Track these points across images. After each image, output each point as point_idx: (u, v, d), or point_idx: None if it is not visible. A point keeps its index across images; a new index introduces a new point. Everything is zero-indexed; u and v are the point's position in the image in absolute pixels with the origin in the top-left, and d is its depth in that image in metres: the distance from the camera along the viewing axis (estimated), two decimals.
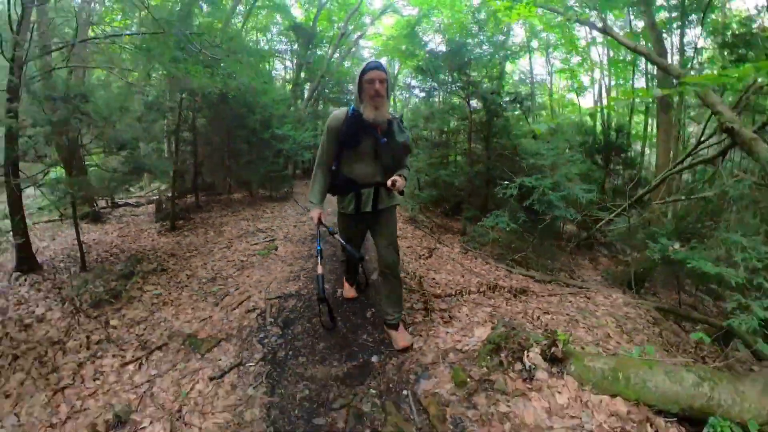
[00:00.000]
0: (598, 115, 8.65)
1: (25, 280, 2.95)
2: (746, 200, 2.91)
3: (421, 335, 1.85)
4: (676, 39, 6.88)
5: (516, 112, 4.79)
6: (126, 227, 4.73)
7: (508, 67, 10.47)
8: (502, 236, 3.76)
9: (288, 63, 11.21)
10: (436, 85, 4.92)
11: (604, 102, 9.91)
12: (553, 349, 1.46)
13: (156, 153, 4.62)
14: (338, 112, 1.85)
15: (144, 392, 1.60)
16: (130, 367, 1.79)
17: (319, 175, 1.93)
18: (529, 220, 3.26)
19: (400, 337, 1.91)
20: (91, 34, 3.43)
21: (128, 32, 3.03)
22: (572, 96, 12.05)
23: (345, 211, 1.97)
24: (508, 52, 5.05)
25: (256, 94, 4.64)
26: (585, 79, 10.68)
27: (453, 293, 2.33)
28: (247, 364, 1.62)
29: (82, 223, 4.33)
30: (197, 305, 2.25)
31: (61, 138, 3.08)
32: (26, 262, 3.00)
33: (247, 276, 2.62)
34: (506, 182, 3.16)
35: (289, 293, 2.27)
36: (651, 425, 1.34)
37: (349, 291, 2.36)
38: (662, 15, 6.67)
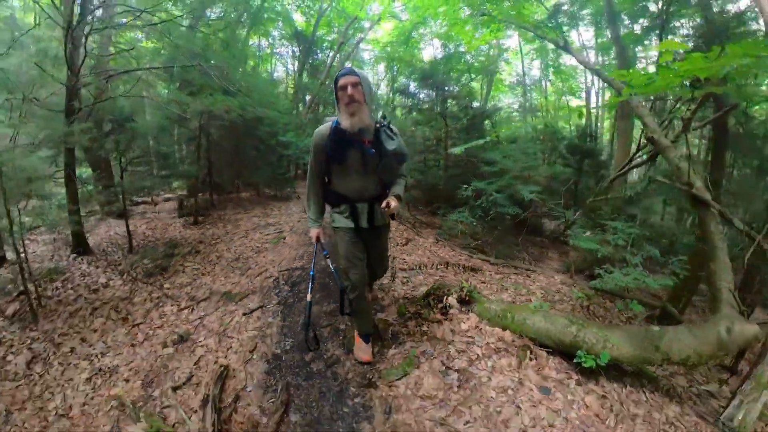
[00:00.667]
0: (575, 118, 9.44)
1: (83, 259, 3.75)
2: (652, 195, 3.71)
3: (384, 291, 2.66)
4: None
5: (486, 122, 5.61)
6: (151, 221, 5.55)
7: (505, 70, 11.25)
8: (468, 229, 4.58)
9: (290, 66, 11.89)
10: (418, 99, 5.75)
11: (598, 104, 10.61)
12: (463, 295, 2.28)
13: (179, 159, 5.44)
14: (322, 128, 1.80)
15: (197, 324, 2.42)
16: (185, 311, 2.61)
17: (312, 193, 1.92)
18: (485, 216, 4.07)
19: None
20: (133, 63, 4.25)
21: (166, 65, 3.84)
22: (570, 98, 12.65)
23: (343, 225, 1.89)
24: (472, 76, 5.87)
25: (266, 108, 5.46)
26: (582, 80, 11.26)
27: (414, 267, 3.15)
28: (267, 306, 2.45)
29: (110, 219, 5.16)
30: (228, 275, 3.08)
31: (102, 150, 3.90)
32: (81, 245, 3.81)
33: (263, 257, 3.45)
34: (465, 185, 4.00)
35: (296, 267, 3.09)
36: (531, 351, 1.94)
37: (363, 351, 1.96)
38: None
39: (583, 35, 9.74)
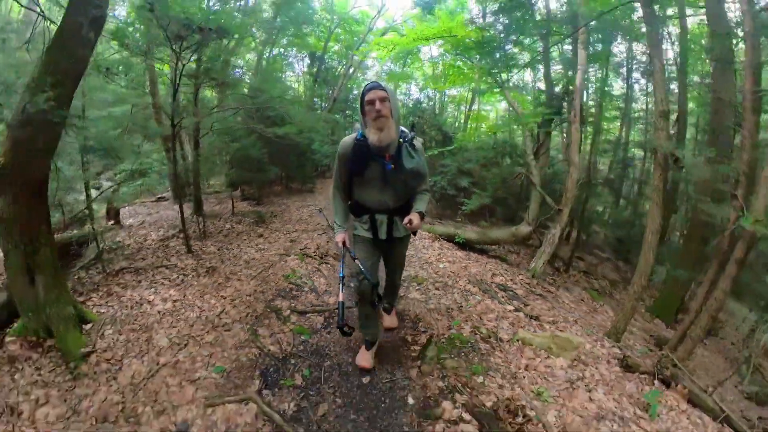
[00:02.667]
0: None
1: (201, 217, 6.47)
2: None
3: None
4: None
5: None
6: (220, 204, 8.27)
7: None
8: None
9: (298, 69, 13.21)
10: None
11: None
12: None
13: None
14: (348, 139, 1.85)
15: (295, 238, 5.16)
16: (282, 237, 5.34)
17: (338, 199, 1.99)
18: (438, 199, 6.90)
19: (388, 320, 2.53)
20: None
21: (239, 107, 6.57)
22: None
23: (362, 234, 1.98)
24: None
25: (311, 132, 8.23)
26: None
27: None
28: (322, 235, 5.21)
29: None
30: (297, 226, 5.81)
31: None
32: (199, 209, 6.51)
33: (315, 219, 6.19)
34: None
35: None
36: (437, 240, 4.90)
37: (363, 358, 2.16)
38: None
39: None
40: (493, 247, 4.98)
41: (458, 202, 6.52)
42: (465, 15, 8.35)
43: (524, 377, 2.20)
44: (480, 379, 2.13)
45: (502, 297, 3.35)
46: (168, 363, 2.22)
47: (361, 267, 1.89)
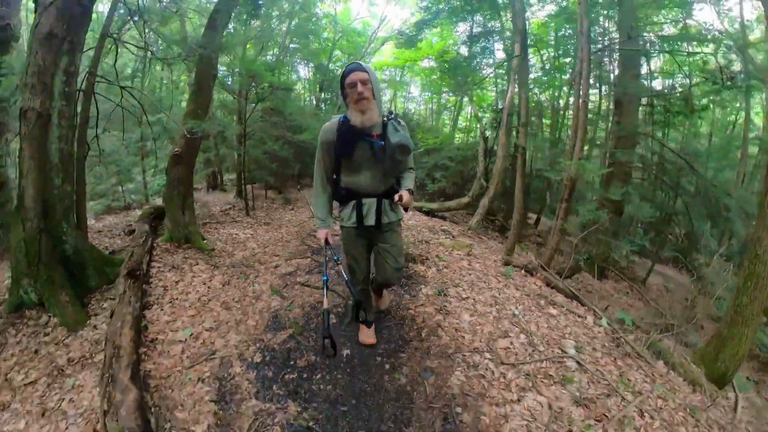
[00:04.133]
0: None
1: (244, 199, 8.76)
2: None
3: None
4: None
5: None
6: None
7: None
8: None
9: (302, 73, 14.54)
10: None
11: None
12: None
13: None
14: (329, 124, 1.83)
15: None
16: (306, 212, 7.58)
17: (320, 190, 1.94)
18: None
19: (380, 301, 2.59)
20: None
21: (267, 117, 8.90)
22: None
23: (345, 224, 1.96)
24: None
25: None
26: None
27: None
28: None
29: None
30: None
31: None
32: (240, 194, 8.80)
33: None
34: None
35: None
36: (410, 210, 7.25)
37: (366, 335, 2.29)
38: None
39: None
40: (448, 213, 7.24)
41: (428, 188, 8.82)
42: (444, 42, 10.76)
43: (435, 253, 4.44)
44: (417, 251, 4.37)
45: (442, 234, 5.60)
46: (260, 251, 4.48)
47: (346, 276, 1.96)
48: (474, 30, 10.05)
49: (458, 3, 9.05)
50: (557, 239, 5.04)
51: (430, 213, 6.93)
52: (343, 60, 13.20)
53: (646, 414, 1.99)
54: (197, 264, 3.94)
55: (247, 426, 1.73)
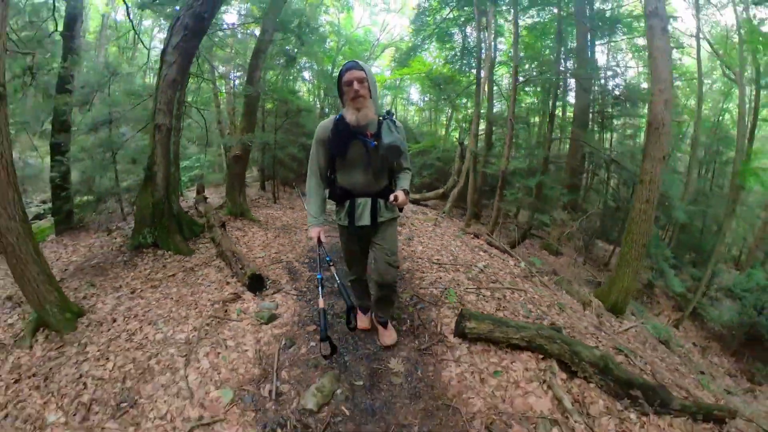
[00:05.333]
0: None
1: (268, 192, 10.81)
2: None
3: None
4: None
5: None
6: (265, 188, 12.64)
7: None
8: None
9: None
10: None
11: None
12: None
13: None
14: (326, 122, 1.85)
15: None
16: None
17: (315, 186, 1.94)
18: None
19: (387, 335, 2.27)
20: None
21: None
22: None
23: (341, 222, 1.97)
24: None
25: None
26: None
27: None
28: None
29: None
30: None
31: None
32: (263, 187, 10.89)
33: None
34: None
35: None
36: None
37: (363, 321, 2.38)
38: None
39: None
40: (430, 203, 9.28)
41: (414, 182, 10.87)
42: (430, 64, 12.87)
43: (410, 222, 6.46)
44: (400, 220, 6.40)
45: (420, 214, 7.64)
46: (292, 222, 6.52)
47: (339, 280, 1.89)
48: (455, 52, 12.13)
49: (441, 28, 11.09)
50: (496, 213, 7.09)
51: (414, 202, 8.97)
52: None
53: (517, 293, 3.95)
54: (252, 228, 5.98)
55: (305, 280, 3.75)
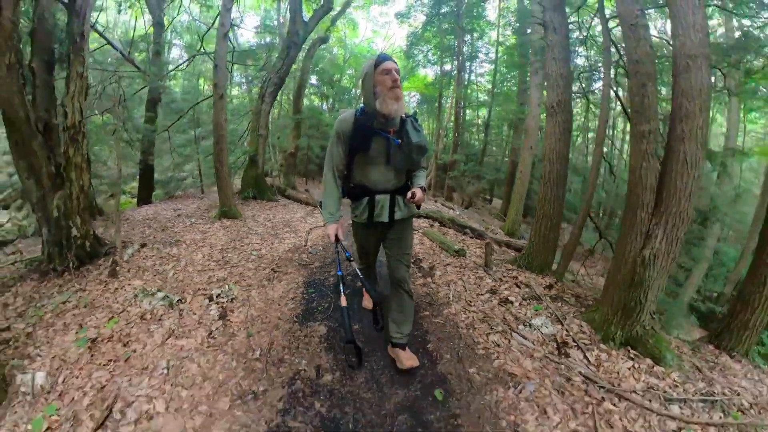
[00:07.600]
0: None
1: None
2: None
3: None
4: None
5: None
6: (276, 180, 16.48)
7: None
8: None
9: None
10: None
11: None
12: None
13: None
14: (346, 115, 1.80)
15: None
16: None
17: (331, 183, 1.88)
18: None
19: (406, 357, 1.98)
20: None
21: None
22: None
23: (358, 219, 1.93)
24: None
25: None
26: None
27: None
28: None
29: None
30: None
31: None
32: (268, 174, 14.76)
33: None
34: None
35: None
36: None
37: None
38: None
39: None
40: None
41: None
42: (426, 78, 16.81)
43: None
44: None
45: None
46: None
47: (361, 276, 1.83)
48: (443, 68, 15.76)
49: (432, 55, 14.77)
50: (447, 187, 10.80)
51: None
52: (353, 76, 16.86)
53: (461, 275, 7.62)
54: (301, 195, 9.82)
55: (313, 237, 7.49)
